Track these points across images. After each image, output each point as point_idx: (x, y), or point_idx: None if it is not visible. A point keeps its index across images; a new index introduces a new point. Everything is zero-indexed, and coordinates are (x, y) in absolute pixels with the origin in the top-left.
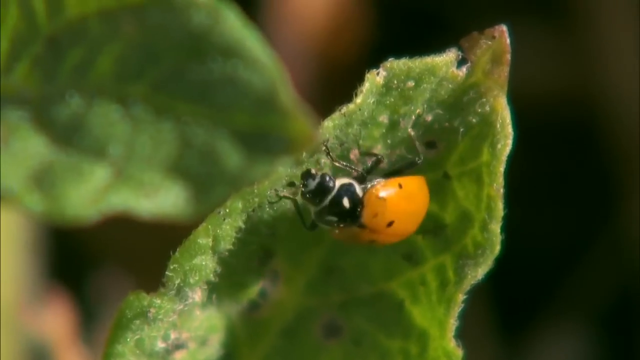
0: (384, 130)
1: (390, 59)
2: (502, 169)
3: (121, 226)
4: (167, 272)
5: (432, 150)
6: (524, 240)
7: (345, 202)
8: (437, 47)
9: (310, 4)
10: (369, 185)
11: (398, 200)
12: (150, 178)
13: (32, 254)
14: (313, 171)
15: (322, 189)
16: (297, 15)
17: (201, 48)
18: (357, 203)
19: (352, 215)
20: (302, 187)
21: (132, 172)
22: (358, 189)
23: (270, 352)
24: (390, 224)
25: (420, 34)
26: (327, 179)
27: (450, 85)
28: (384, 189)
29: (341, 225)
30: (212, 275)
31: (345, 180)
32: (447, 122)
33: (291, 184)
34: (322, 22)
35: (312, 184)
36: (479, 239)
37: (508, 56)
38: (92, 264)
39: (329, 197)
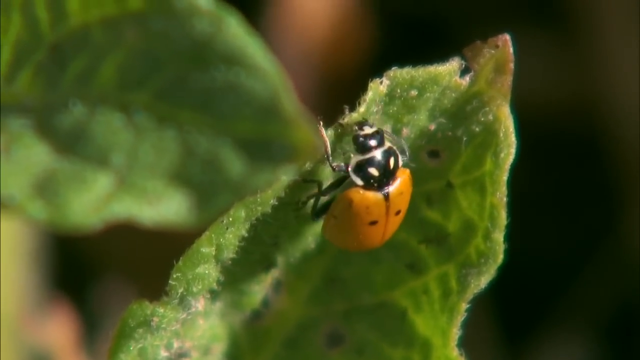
0: None
1: (393, 68)
2: (505, 178)
3: (124, 235)
4: (170, 281)
5: (436, 159)
6: (526, 249)
7: (391, 162)
8: (440, 56)
9: (314, 13)
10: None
11: (411, 192)
12: (153, 186)
13: (35, 263)
14: (369, 121)
15: (377, 138)
16: (300, 23)
17: (204, 56)
18: (394, 171)
19: (386, 180)
20: (359, 130)
21: (135, 180)
22: (400, 159)
23: None
24: (398, 212)
25: (423, 43)
26: (382, 132)
27: (453, 94)
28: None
29: (374, 185)
30: (215, 284)
31: (392, 145)
32: (450, 131)
33: (340, 126)
34: (325, 31)
35: (369, 129)
36: (482, 248)
37: (511, 65)
38: (94, 273)
39: (380, 150)
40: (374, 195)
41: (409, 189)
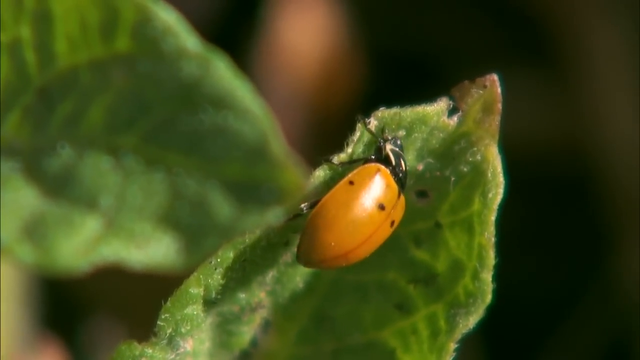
0: None
1: (381, 108)
2: (493, 218)
3: (113, 275)
4: (158, 322)
5: (424, 200)
6: (515, 289)
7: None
8: (429, 96)
9: (302, 54)
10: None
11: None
12: (141, 229)
13: (24, 303)
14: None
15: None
16: (289, 65)
17: (192, 98)
18: (405, 183)
19: (402, 184)
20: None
21: (123, 222)
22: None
23: None
24: (392, 222)
25: (411, 83)
26: None
27: (441, 135)
28: None
29: (401, 172)
30: (203, 324)
31: None
32: (438, 171)
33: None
34: (313, 72)
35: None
36: (471, 288)
37: (499, 105)
38: (84, 314)
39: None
40: (394, 182)
41: (403, 211)
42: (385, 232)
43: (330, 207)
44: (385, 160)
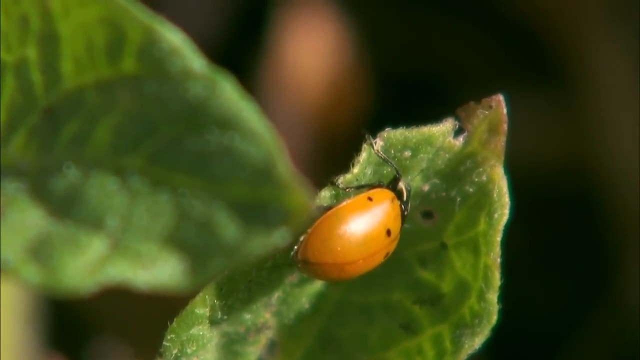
0: None
1: (387, 129)
2: (499, 238)
3: (118, 296)
4: (164, 342)
5: (429, 220)
6: (520, 309)
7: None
8: (434, 117)
9: (307, 75)
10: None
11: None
12: (147, 250)
13: (30, 324)
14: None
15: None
16: (294, 86)
17: (198, 119)
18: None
19: (404, 218)
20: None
21: (129, 243)
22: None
23: None
24: (387, 254)
25: (417, 104)
26: None
27: (447, 155)
28: None
29: (406, 211)
30: (209, 345)
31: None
32: (444, 191)
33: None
34: (319, 93)
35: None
36: (476, 309)
37: (505, 126)
38: (89, 334)
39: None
40: (396, 206)
41: (394, 248)
42: (379, 259)
43: (348, 212)
44: (397, 193)
